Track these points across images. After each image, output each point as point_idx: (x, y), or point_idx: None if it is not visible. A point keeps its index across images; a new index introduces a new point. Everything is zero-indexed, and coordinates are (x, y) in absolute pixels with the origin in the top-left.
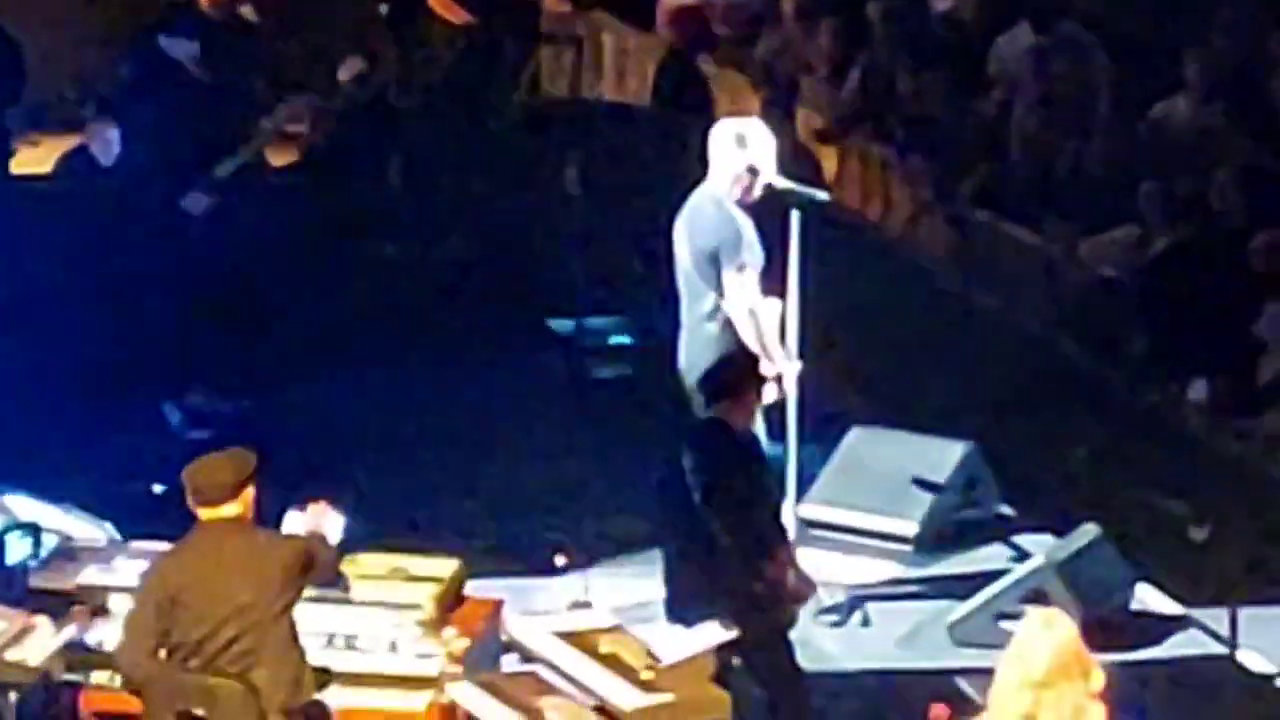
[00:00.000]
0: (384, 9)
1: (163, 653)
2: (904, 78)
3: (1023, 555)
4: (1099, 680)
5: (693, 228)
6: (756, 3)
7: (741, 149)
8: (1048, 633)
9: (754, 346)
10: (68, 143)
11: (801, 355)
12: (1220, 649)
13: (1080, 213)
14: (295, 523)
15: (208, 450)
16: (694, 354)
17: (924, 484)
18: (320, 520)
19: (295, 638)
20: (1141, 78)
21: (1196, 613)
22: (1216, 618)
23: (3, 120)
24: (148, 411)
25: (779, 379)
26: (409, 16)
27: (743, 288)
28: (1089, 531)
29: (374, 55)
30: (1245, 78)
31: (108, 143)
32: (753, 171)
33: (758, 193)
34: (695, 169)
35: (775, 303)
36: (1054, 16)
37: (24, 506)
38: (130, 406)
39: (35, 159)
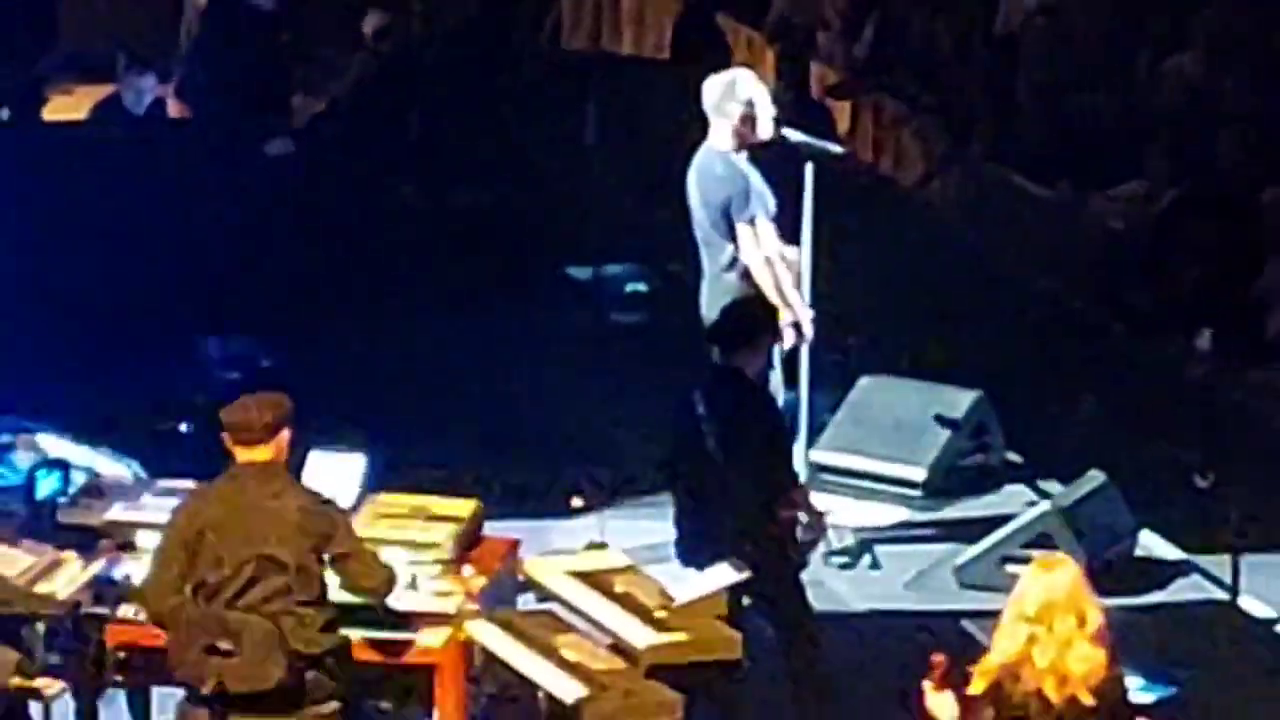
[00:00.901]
0: None
1: (188, 589)
2: (917, 33)
3: (1029, 501)
4: (1095, 622)
5: (702, 183)
6: None
7: (732, 99)
8: (1045, 573)
9: (772, 296)
10: (101, 92)
11: (814, 305)
12: (1222, 595)
13: (1090, 168)
14: (318, 463)
15: (240, 392)
16: (714, 303)
17: (934, 428)
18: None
19: (319, 586)
20: (1151, 34)
21: (1199, 559)
22: (1219, 564)
23: (38, 69)
24: (178, 353)
25: (797, 326)
26: None
27: (756, 239)
28: (1094, 478)
29: (397, 6)
30: (1250, 36)
31: (140, 93)
32: (749, 120)
33: (760, 138)
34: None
35: (793, 250)
36: None
37: (53, 444)
38: (161, 347)
39: (69, 106)
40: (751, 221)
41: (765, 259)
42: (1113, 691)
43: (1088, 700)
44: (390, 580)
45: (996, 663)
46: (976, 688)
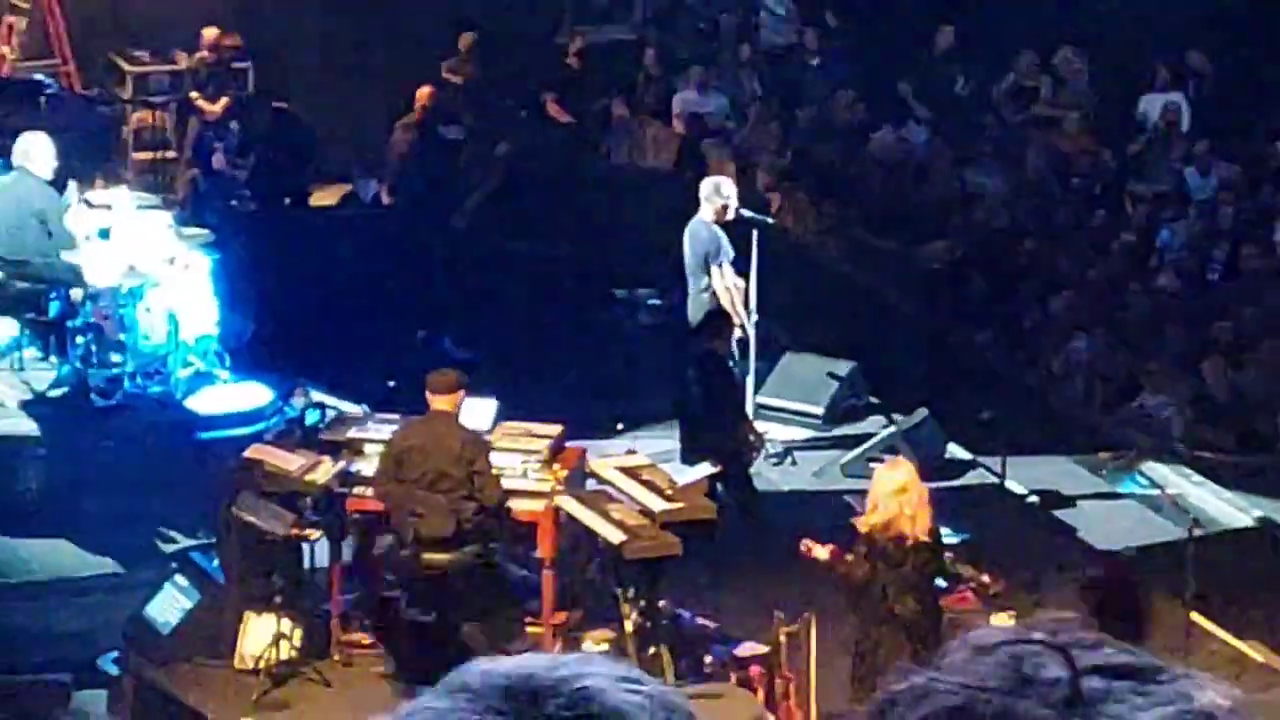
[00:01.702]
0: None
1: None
2: (816, 156)
3: (884, 426)
4: (925, 492)
5: (692, 241)
6: (731, 116)
7: (716, 192)
8: (898, 468)
9: (730, 308)
10: (343, 189)
11: (757, 313)
12: (994, 480)
13: (917, 231)
14: (470, 404)
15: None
16: (695, 313)
17: (828, 382)
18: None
19: (470, 486)
20: (960, 155)
21: (983, 459)
22: (994, 463)
23: (304, 177)
24: (403, 341)
25: (743, 327)
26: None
27: (723, 275)
28: (922, 413)
29: (514, 139)
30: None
31: (368, 189)
32: (725, 206)
33: (729, 217)
34: (695, 205)
35: (741, 281)
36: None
37: (319, 395)
38: (391, 338)
39: (325, 197)
40: (720, 264)
41: (727, 287)
42: (935, 533)
43: (925, 538)
44: (502, 498)
45: (879, 519)
46: (862, 526)
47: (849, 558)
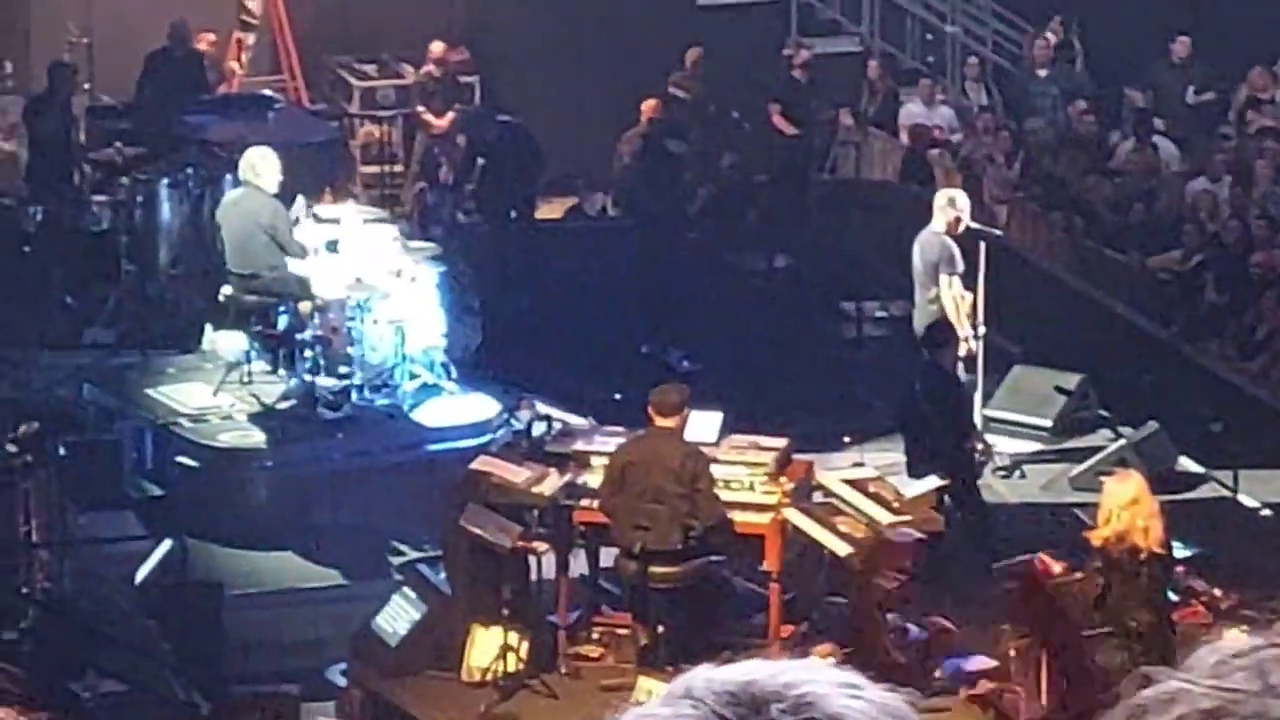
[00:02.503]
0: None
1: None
2: (1044, 167)
3: (1112, 439)
4: (1156, 504)
5: (923, 251)
6: (960, 123)
7: (951, 205)
8: (1129, 480)
9: (955, 319)
10: (569, 201)
11: (986, 325)
12: (1227, 494)
13: (1149, 243)
14: (697, 417)
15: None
16: (923, 322)
17: (1056, 396)
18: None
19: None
20: (1192, 166)
21: (1214, 473)
22: (1225, 476)
23: (531, 189)
24: (628, 353)
25: (969, 339)
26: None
27: (951, 286)
28: (1152, 425)
29: (742, 153)
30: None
31: (593, 202)
32: (958, 218)
33: (960, 230)
34: (920, 217)
35: (969, 294)
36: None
37: (544, 406)
38: (617, 350)
39: (551, 211)
40: (950, 275)
41: (955, 298)
42: (1166, 544)
43: (1158, 550)
44: (721, 514)
45: (1111, 532)
46: (1095, 540)
47: (1079, 575)
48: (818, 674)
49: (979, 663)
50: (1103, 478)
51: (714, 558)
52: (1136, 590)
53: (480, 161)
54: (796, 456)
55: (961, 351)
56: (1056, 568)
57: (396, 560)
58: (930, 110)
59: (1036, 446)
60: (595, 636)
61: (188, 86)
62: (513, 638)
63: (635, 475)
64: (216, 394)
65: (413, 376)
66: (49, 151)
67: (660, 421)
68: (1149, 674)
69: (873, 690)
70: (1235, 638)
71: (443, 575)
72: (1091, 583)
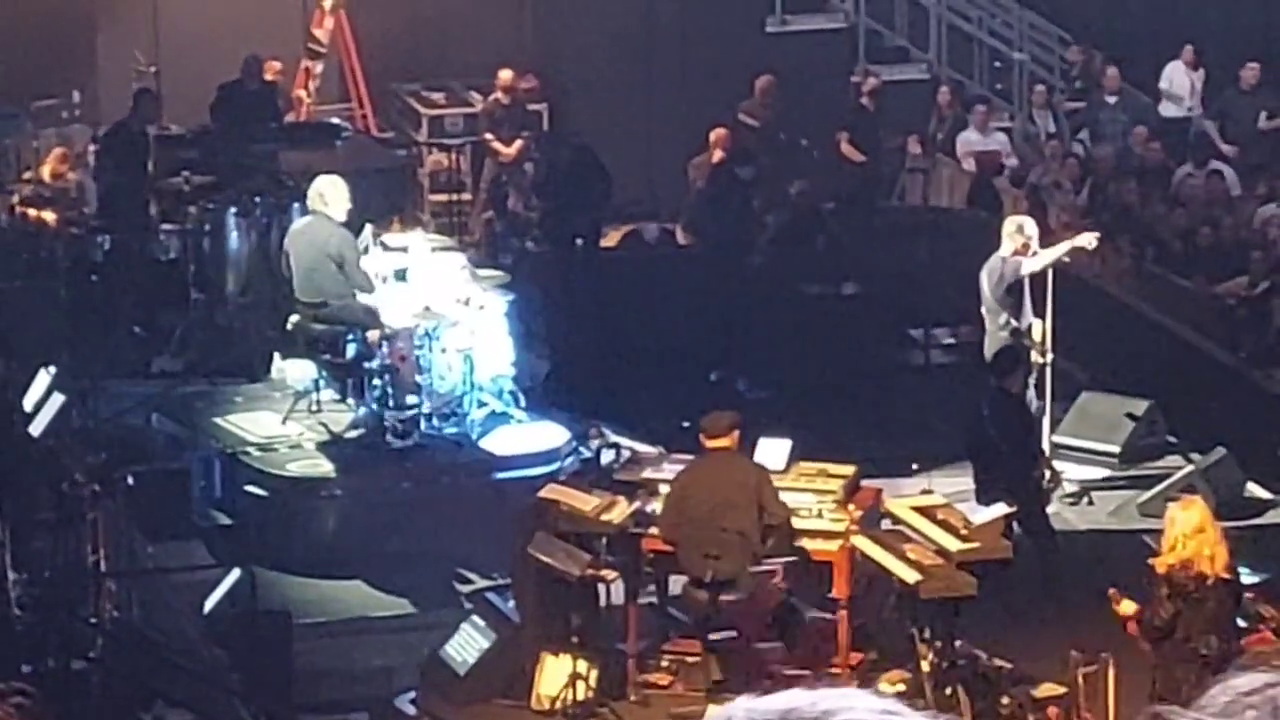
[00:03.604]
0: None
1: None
2: (1111, 194)
3: (1183, 464)
4: (1219, 530)
5: (991, 276)
6: (1013, 150)
7: (1019, 232)
8: (1192, 507)
9: (1027, 345)
10: (627, 228)
11: (1054, 352)
12: None
13: (1216, 269)
14: (765, 445)
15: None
16: (992, 348)
17: (1125, 422)
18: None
19: (758, 519)
20: (1253, 192)
21: None
22: None
23: (599, 217)
24: (697, 381)
25: (1041, 366)
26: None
27: (1023, 312)
28: (1220, 451)
29: (809, 180)
30: None
31: (651, 231)
32: (1026, 244)
33: (1030, 253)
34: (988, 243)
35: (1037, 323)
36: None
37: (613, 434)
38: (685, 378)
39: (611, 239)
40: (1019, 302)
41: (1028, 325)
42: (1233, 569)
43: (1225, 575)
44: (789, 520)
45: (1177, 559)
46: (1161, 567)
47: (1152, 604)
48: (856, 700)
49: (1047, 689)
50: (1171, 504)
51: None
52: (1204, 616)
53: (548, 189)
54: (865, 483)
55: (1032, 377)
56: (1129, 607)
57: (465, 589)
58: (985, 137)
59: (1104, 473)
60: (665, 664)
61: (259, 118)
62: (582, 666)
63: (698, 501)
64: (285, 423)
65: (481, 405)
66: (124, 180)
67: (713, 444)
68: (1161, 713)
69: (912, 715)
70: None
71: (511, 604)
72: (1161, 610)
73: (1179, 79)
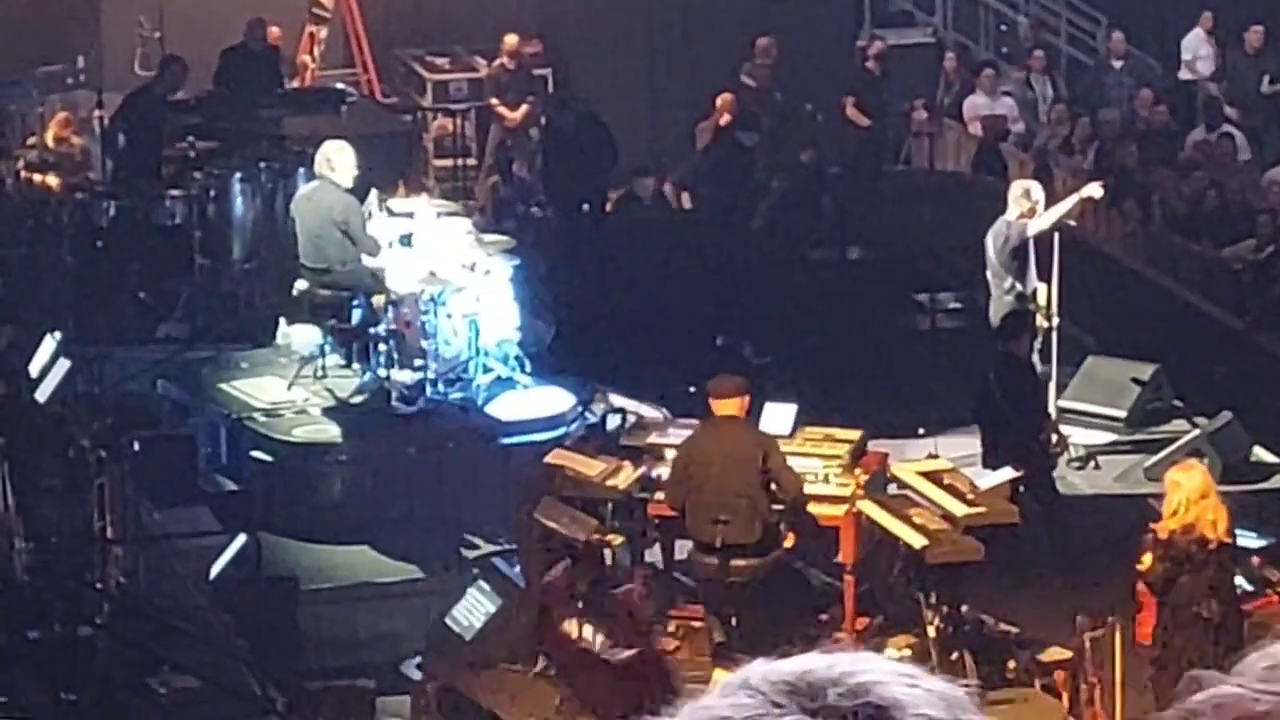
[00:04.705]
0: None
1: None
2: (1118, 156)
3: (1189, 429)
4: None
5: (996, 240)
6: (1030, 118)
7: (1025, 197)
8: (1193, 470)
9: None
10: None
11: (1060, 316)
12: None
13: (1222, 233)
14: (771, 410)
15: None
16: (998, 313)
17: (1131, 386)
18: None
19: (766, 485)
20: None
21: None
22: None
23: (604, 182)
24: (702, 346)
25: (1047, 330)
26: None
27: (1028, 276)
28: (1226, 415)
29: (817, 148)
30: None
31: (646, 190)
32: (1033, 209)
33: (1037, 217)
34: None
35: (1042, 287)
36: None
37: (619, 399)
38: (691, 342)
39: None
40: (1024, 265)
41: (1034, 289)
42: (1232, 534)
43: (1227, 539)
44: (800, 485)
45: (1179, 524)
46: (1163, 532)
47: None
48: (874, 664)
49: (1053, 653)
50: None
51: (787, 546)
52: (1205, 581)
53: (553, 154)
54: (871, 448)
55: (1038, 341)
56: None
57: (471, 554)
58: (993, 101)
59: (1111, 437)
60: (671, 629)
61: (264, 82)
62: (588, 631)
63: (705, 467)
64: (290, 388)
65: (486, 370)
66: (139, 146)
67: (721, 408)
68: (1200, 678)
69: (930, 679)
70: None
71: (517, 569)
72: (1154, 571)
73: (1201, 48)
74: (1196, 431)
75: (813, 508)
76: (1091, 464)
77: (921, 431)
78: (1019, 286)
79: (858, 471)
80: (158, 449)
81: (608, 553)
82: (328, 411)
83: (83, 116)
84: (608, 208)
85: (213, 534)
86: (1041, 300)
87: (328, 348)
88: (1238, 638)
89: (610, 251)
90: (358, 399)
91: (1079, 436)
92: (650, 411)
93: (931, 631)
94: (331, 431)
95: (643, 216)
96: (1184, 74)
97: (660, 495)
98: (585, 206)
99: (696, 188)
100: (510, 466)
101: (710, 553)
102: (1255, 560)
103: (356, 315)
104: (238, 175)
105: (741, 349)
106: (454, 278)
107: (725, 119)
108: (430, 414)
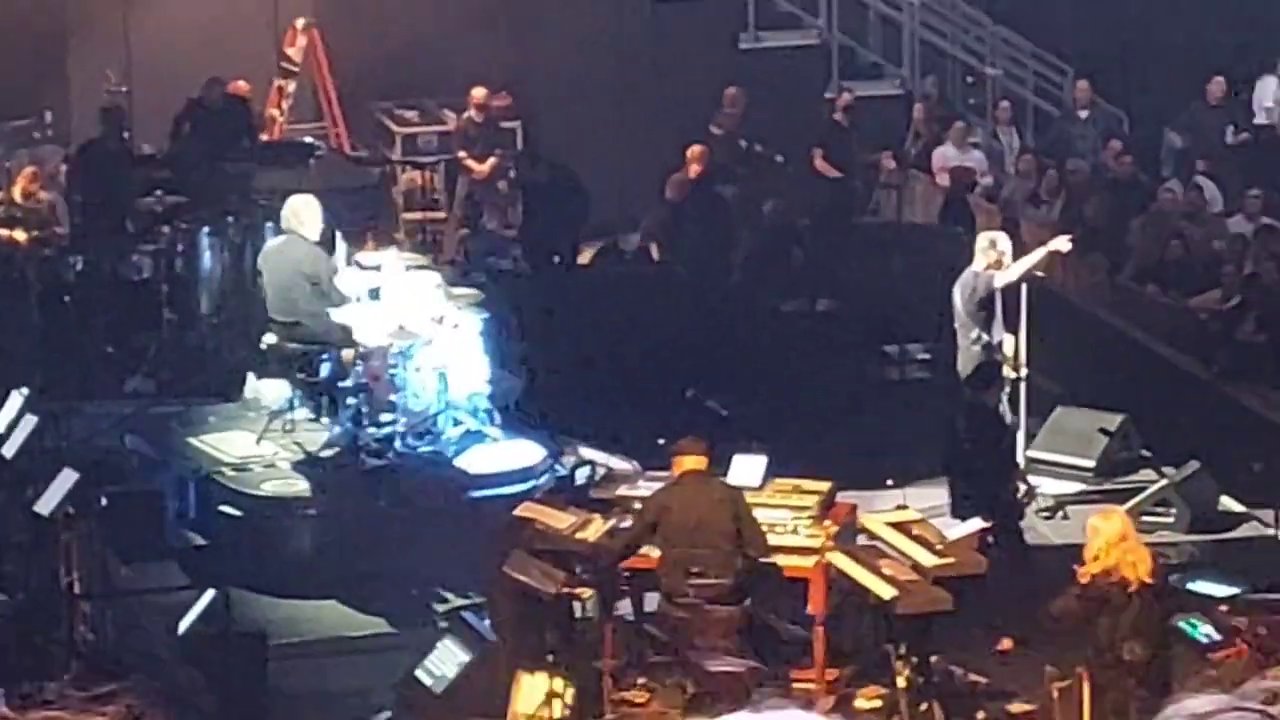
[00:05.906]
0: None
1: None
2: (1087, 209)
3: (1157, 478)
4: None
5: (963, 290)
6: (996, 169)
7: (992, 247)
8: (1113, 518)
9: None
10: (596, 245)
11: (1028, 366)
12: (1270, 531)
13: (1188, 283)
14: (739, 462)
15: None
16: (966, 365)
17: (1099, 436)
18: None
19: (735, 538)
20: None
21: (1255, 511)
22: (1266, 515)
23: (575, 236)
24: (671, 398)
25: (1015, 381)
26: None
27: (995, 327)
28: (1193, 465)
29: (784, 198)
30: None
31: (632, 246)
32: (999, 260)
33: (1003, 268)
34: (962, 259)
35: (1010, 338)
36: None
37: (588, 452)
38: (661, 395)
39: (584, 256)
40: (991, 316)
41: (1000, 340)
42: (1158, 573)
43: (1149, 580)
44: (765, 545)
45: (1099, 569)
46: (1084, 577)
47: (1058, 602)
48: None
49: (1022, 704)
50: (1146, 518)
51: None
52: (1127, 623)
53: (523, 207)
54: (840, 499)
55: (1006, 392)
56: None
57: (441, 608)
58: (963, 153)
59: (1079, 487)
60: (641, 682)
61: (230, 137)
62: (558, 684)
63: (673, 520)
64: (259, 442)
65: (456, 423)
66: (100, 199)
67: (688, 464)
68: None
69: None
70: (1211, 695)
71: (487, 622)
72: (1070, 612)
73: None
74: (1164, 481)
75: (782, 559)
76: (1060, 514)
77: (890, 482)
78: (986, 337)
79: (827, 523)
80: (126, 504)
81: (577, 605)
82: (297, 465)
83: (50, 171)
84: (580, 260)
85: (181, 589)
86: (1008, 351)
87: (296, 401)
88: (1164, 679)
89: (579, 304)
90: (327, 453)
91: (1047, 486)
92: (620, 464)
93: (901, 682)
94: (300, 485)
95: (616, 270)
96: (1260, 119)
97: (626, 547)
98: (557, 259)
99: (670, 239)
100: (480, 520)
101: (681, 606)
102: (1223, 609)
103: (325, 369)
104: (205, 229)
105: (711, 400)
106: (423, 331)
107: (695, 169)
108: (400, 467)
